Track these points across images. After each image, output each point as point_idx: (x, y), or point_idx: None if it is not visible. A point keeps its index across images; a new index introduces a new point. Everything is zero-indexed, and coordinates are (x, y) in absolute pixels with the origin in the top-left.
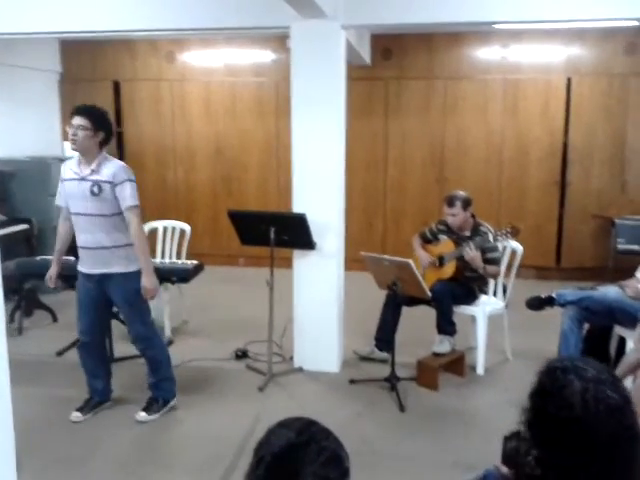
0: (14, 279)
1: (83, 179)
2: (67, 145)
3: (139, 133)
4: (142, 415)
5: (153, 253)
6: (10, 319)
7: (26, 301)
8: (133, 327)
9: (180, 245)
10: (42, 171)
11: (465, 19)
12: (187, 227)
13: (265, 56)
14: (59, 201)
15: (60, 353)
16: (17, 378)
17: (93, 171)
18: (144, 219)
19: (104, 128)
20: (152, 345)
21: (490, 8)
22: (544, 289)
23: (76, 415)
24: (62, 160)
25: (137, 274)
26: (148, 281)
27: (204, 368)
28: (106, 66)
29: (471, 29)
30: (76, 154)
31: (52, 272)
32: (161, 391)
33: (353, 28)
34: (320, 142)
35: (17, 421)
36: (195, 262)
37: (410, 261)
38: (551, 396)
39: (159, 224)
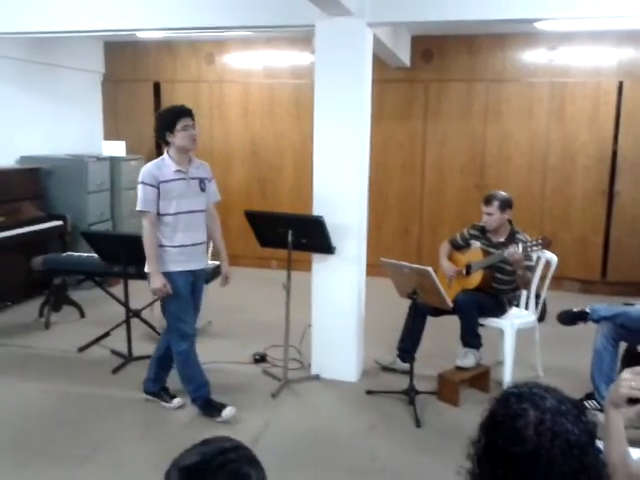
0: (42, 274)
1: (192, 178)
2: (107, 144)
3: None
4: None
5: None
6: (39, 314)
7: (55, 296)
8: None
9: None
10: (79, 169)
11: (500, 17)
12: None
13: (303, 58)
14: (146, 207)
15: (82, 349)
16: (35, 373)
17: (197, 169)
18: None
19: None
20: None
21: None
22: (587, 303)
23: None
24: (100, 159)
25: None
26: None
27: (221, 371)
28: (147, 67)
29: (514, 30)
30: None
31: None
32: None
33: (380, 26)
34: (342, 144)
35: (28, 417)
36: (216, 263)
37: (430, 269)
38: (502, 427)
39: None
